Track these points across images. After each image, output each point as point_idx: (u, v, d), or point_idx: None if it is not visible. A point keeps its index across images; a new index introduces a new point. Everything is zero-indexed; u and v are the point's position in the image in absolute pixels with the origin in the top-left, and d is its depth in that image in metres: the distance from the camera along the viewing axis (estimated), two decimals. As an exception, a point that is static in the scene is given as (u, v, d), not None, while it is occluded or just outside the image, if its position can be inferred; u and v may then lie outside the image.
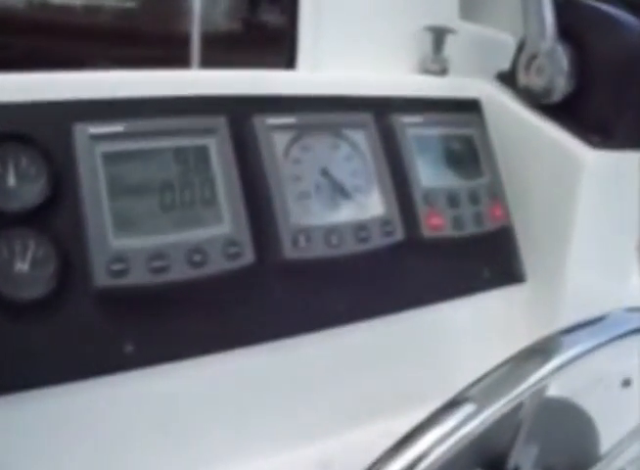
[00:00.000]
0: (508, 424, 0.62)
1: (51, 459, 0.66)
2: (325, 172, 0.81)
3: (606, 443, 0.96)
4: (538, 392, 0.57)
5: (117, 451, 0.70)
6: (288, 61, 0.98)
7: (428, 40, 1.06)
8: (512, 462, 0.64)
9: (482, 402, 0.50)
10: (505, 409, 0.51)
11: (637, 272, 1.33)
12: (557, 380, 0.63)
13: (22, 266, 0.64)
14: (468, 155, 0.97)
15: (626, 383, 1.23)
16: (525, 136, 1.01)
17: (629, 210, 1.05)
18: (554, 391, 0.92)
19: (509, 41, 1.18)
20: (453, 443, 0.47)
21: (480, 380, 0.55)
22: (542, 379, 0.55)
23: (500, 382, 0.54)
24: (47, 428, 0.66)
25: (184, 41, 1.43)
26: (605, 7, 1.01)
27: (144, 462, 0.71)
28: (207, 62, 1.30)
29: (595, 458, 0.79)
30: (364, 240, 0.80)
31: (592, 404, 0.90)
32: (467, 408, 0.50)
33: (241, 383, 0.77)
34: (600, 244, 1.01)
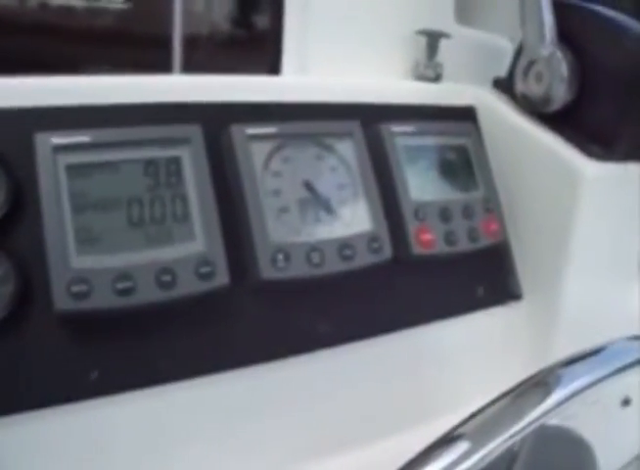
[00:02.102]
0: (503, 455, 0.57)
1: None
2: (308, 186, 0.75)
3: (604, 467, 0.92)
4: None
5: None
6: (272, 65, 0.93)
7: (421, 44, 1.01)
8: None
9: (478, 441, 0.48)
10: (501, 449, 0.48)
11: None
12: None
13: None
14: (462, 166, 0.92)
15: (626, 402, 1.18)
16: (523, 146, 0.96)
17: (632, 225, 1.00)
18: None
19: (507, 46, 1.14)
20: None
21: (474, 415, 0.51)
22: (541, 416, 0.51)
23: (497, 419, 0.51)
24: (3, 459, 0.61)
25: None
26: (608, 11, 0.96)
27: None
28: (194, 64, 1.25)
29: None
30: (349, 258, 0.75)
31: (589, 427, 0.86)
32: (461, 447, 0.47)
33: (215, 411, 0.71)
34: (600, 260, 0.96)
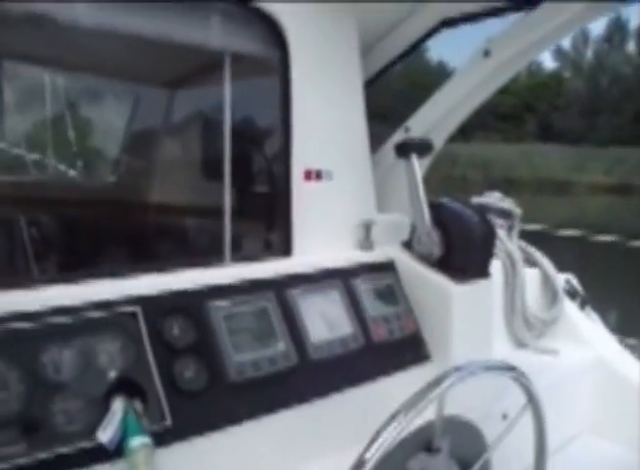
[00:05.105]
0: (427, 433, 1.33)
1: None
2: (324, 317, 1.59)
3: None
4: (440, 395, 1.24)
5: None
6: (286, 249, 1.77)
7: (362, 229, 1.88)
8: (436, 444, 1.35)
9: (408, 407, 1.20)
10: (422, 409, 1.22)
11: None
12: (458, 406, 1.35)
13: (190, 374, 1.36)
14: (390, 295, 1.78)
15: (504, 417, 1.96)
16: (421, 281, 1.83)
17: (484, 316, 1.88)
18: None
19: (407, 221, 2.02)
20: (400, 430, 1.14)
21: (410, 398, 1.25)
22: (438, 390, 1.23)
23: (418, 396, 1.22)
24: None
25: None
26: (457, 206, 1.87)
27: None
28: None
29: (482, 445, 1.46)
30: (345, 346, 1.58)
31: (487, 429, 1.60)
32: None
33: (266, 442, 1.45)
34: (469, 336, 1.82)
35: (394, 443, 1.13)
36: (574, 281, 2.83)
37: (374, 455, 1.10)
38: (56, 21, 1.50)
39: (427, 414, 1.23)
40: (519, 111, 38.58)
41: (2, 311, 1.21)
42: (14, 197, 2.34)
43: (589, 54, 45.46)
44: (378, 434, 1.13)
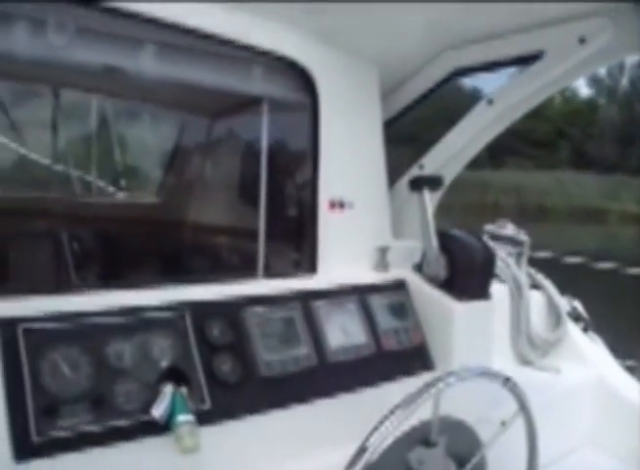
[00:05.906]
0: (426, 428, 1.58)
1: None
2: (341, 327, 1.85)
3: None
4: (437, 394, 1.49)
5: None
6: (311, 268, 2.04)
7: (378, 253, 2.15)
8: (433, 438, 1.59)
9: (409, 402, 1.46)
10: (420, 404, 1.47)
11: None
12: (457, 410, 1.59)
13: (227, 368, 1.63)
14: (402, 310, 2.04)
15: (503, 423, 2.16)
16: (429, 299, 2.09)
17: (483, 332, 2.12)
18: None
19: (418, 246, 2.28)
20: (398, 422, 1.37)
21: (410, 394, 1.51)
22: (435, 390, 1.49)
23: (416, 393, 1.48)
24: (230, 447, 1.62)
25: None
26: (462, 235, 2.12)
27: None
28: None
29: (477, 446, 1.70)
30: (359, 353, 1.84)
31: (485, 433, 1.83)
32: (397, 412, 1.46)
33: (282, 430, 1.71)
34: (469, 349, 2.06)
35: (394, 433, 1.36)
36: (579, 306, 3.04)
37: (374, 443, 1.33)
38: (124, 70, 1.81)
39: (426, 415, 1.47)
40: (552, 138, 38.53)
41: (76, 310, 1.49)
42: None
43: (624, 81, 45.35)
44: (379, 424, 1.36)
